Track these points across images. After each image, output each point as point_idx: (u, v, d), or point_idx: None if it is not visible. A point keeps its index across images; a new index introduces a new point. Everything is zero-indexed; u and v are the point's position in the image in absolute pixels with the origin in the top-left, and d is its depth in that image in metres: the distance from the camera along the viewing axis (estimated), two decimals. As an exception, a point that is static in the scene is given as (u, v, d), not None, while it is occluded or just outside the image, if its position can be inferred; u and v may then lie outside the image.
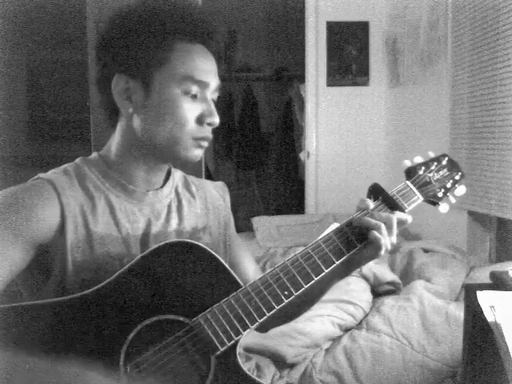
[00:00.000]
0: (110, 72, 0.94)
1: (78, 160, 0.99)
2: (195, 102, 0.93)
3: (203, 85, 0.93)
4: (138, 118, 0.93)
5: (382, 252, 0.94)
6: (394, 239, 0.96)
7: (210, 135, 0.95)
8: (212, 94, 0.96)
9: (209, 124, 0.94)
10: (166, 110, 0.91)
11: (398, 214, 0.97)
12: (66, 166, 0.97)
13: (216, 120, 0.94)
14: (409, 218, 0.98)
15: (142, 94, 0.92)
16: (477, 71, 2.39)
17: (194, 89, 0.92)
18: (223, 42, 4.61)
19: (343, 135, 3.69)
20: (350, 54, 3.64)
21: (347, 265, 1.00)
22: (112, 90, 0.93)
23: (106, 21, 0.95)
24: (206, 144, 0.95)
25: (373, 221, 0.94)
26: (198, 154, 0.95)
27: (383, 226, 0.94)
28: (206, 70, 0.93)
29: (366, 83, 3.67)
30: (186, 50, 0.93)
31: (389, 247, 0.95)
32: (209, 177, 4.28)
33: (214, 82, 0.95)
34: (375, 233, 0.93)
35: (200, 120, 0.93)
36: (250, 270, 1.11)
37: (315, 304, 1.12)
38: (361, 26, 3.62)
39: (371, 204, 0.97)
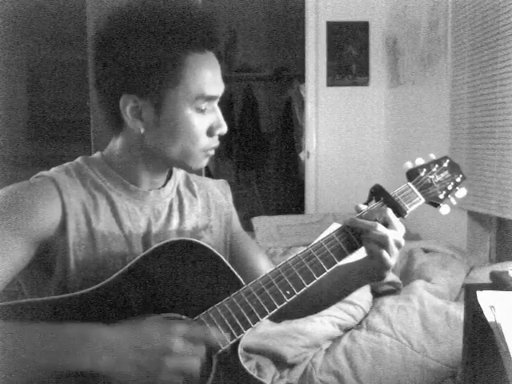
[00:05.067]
0: (116, 92, 0.90)
1: (79, 159, 0.98)
2: (204, 115, 0.93)
3: (213, 98, 0.93)
4: (150, 135, 0.92)
5: (391, 248, 0.92)
6: (399, 234, 0.94)
7: (217, 143, 0.97)
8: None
9: (218, 134, 0.96)
10: (178, 128, 0.91)
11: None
12: (67, 164, 0.97)
13: (224, 129, 0.96)
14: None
15: (152, 113, 0.91)
16: (477, 71, 2.38)
17: (205, 105, 0.92)
18: (223, 42, 4.62)
19: (343, 135, 3.69)
20: (350, 54, 3.64)
21: (367, 272, 0.99)
22: (121, 109, 0.91)
23: (102, 31, 0.90)
24: (213, 152, 0.97)
25: (368, 222, 0.94)
26: (205, 162, 0.98)
27: (379, 225, 0.93)
28: (216, 81, 0.93)
29: (366, 83, 3.67)
30: (197, 63, 0.90)
31: (391, 242, 0.92)
32: (209, 176, 4.27)
33: (221, 91, 0.95)
34: (375, 232, 0.92)
35: (210, 132, 0.94)
36: (262, 263, 1.10)
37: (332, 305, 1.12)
38: (361, 26, 3.62)
39: (363, 207, 0.97)
